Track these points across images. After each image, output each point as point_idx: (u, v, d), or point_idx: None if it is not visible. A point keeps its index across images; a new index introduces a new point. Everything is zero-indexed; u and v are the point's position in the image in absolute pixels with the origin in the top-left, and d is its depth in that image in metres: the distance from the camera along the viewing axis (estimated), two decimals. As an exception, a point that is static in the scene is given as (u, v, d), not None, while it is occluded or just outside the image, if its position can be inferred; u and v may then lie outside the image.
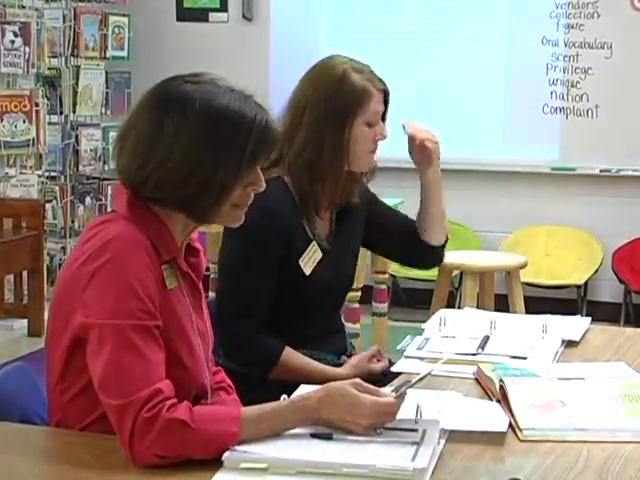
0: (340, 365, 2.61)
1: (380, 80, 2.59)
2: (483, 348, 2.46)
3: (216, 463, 1.66)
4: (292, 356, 2.52)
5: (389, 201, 3.02)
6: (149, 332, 1.76)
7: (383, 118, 2.60)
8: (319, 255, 2.56)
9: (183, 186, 1.82)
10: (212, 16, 7.06)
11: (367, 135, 2.55)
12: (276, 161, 2.57)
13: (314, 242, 2.56)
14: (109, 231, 1.80)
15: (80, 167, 6.58)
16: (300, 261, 2.53)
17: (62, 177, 6.59)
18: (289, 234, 2.51)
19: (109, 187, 6.64)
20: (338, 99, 2.52)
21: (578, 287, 6.40)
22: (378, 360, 2.63)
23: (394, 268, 6.22)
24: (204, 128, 1.82)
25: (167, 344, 1.80)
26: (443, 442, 1.80)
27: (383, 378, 2.51)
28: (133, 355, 1.72)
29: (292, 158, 2.54)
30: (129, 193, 1.88)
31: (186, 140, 1.81)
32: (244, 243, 2.50)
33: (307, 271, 2.54)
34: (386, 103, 2.60)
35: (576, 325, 2.70)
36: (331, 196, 2.58)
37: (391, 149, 2.84)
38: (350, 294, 2.92)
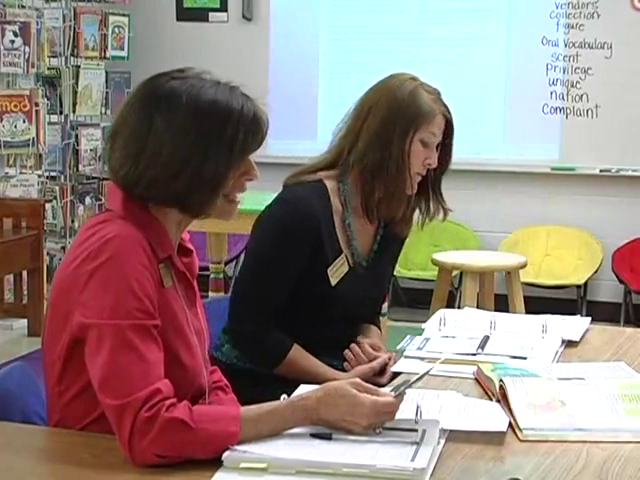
0: (343, 371, 2.58)
1: (445, 106, 2.57)
2: (483, 348, 2.46)
3: (216, 463, 1.66)
4: (299, 356, 2.51)
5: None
6: (148, 332, 1.76)
7: (443, 148, 2.59)
8: (345, 269, 2.55)
9: (174, 181, 1.82)
10: (212, 16, 7.07)
11: (420, 154, 2.53)
12: (332, 163, 2.57)
13: (344, 254, 2.56)
14: (107, 231, 1.80)
15: (80, 167, 6.58)
16: (329, 270, 2.52)
17: (62, 177, 6.59)
18: (321, 239, 2.50)
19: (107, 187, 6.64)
20: (405, 111, 2.51)
21: (578, 287, 6.40)
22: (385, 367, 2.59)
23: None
24: (192, 122, 1.83)
25: (165, 343, 1.80)
26: (443, 442, 1.80)
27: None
28: (132, 355, 1.72)
29: (356, 159, 2.53)
30: (123, 192, 1.88)
31: (175, 135, 1.82)
32: (277, 240, 2.49)
33: (333, 282, 2.53)
34: (449, 134, 2.59)
35: (576, 325, 2.70)
36: (389, 206, 2.56)
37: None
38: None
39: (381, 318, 4.91)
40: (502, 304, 4.97)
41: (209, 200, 1.86)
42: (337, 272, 2.54)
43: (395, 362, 2.47)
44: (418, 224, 2.69)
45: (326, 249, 2.51)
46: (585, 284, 6.41)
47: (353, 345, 2.59)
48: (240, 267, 2.65)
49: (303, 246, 2.49)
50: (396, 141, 2.51)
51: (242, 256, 5.03)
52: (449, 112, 2.57)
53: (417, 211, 2.67)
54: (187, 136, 1.82)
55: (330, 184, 2.56)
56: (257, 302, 2.51)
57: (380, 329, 2.79)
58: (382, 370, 2.54)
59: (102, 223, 1.84)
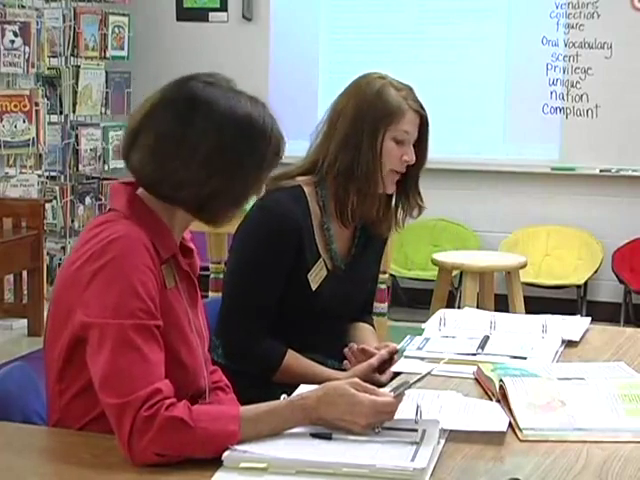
0: (342, 370, 2.58)
1: (417, 102, 2.55)
2: (483, 348, 2.46)
3: (216, 462, 1.66)
4: (295, 361, 2.51)
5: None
6: (149, 332, 1.76)
7: (419, 144, 2.56)
8: (324, 273, 2.55)
9: (202, 187, 1.83)
10: (212, 16, 7.06)
11: (394, 152, 2.51)
12: (309, 170, 2.57)
13: (321, 259, 2.56)
14: (111, 232, 1.80)
15: (80, 167, 6.58)
16: (309, 275, 2.52)
17: (62, 177, 6.59)
18: (302, 243, 2.50)
19: (109, 187, 6.63)
20: (372, 110, 2.49)
21: (578, 287, 6.40)
22: (387, 363, 2.58)
23: (394, 268, 6.23)
24: (229, 133, 1.83)
25: (167, 344, 1.80)
26: (443, 442, 1.80)
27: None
28: (133, 355, 1.72)
29: (329, 164, 2.53)
30: (131, 191, 1.89)
31: (211, 143, 1.82)
32: (260, 247, 2.49)
33: (313, 286, 2.53)
34: (425, 130, 2.56)
35: (576, 325, 2.70)
36: (363, 209, 2.55)
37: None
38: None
39: (381, 318, 4.96)
40: (502, 304, 4.97)
41: (228, 212, 1.89)
42: (317, 277, 2.54)
43: (397, 360, 2.46)
44: (399, 223, 2.67)
45: (306, 253, 2.51)
46: (585, 284, 6.41)
47: (352, 344, 2.59)
48: (225, 276, 2.63)
49: (286, 250, 2.48)
50: (366, 141, 2.50)
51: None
52: (422, 108, 2.55)
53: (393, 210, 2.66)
54: (222, 146, 1.83)
55: (308, 189, 2.55)
56: (247, 311, 2.50)
57: (373, 326, 2.79)
58: (382, 368, 2.53)
59: (106, 223, 1.84)
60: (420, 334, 2.59)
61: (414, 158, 2.54)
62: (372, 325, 2.78)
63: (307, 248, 2.52)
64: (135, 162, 1.87)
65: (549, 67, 6.48)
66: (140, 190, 1.90)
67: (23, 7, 6.14)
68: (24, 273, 5.99)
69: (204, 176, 1.83)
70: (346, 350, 2.57)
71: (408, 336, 2.57)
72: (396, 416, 1.79)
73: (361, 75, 2.60)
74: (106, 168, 6.74)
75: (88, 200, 6.66)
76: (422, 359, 2.38)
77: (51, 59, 6.44)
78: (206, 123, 1.83)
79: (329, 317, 2.59)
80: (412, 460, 1.66)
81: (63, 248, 6.54)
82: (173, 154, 1.83)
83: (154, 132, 1.85)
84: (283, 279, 2.50)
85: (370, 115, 2.50)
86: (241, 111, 1.85)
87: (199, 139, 1.82)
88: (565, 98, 6.47)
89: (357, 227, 2.65)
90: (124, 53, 6.87)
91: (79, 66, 6.53)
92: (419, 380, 1.90)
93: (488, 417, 1.94)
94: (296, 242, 2.49)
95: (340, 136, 2.51)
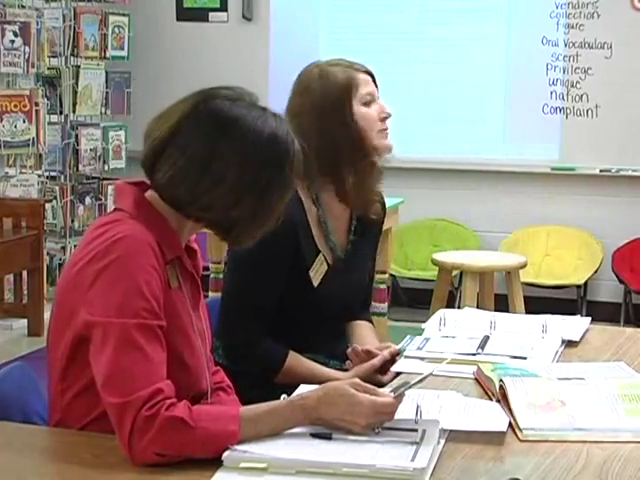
0: (344, 370, 2.58)
1: (357, 64, 2.61)
2: (483, 348, 2.46)
3: (216, 462, 1.66)
4: (296, 362, 2.51)
5: (389, 201, 3.02)
6: (153, 332, 1.76)
7: None
8: (324, 268, 2.56)
9: (231, 210, 1.84)
10: (212, 16, 7.06)
11: (369, 114, 2.55)
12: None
13: (321, 254, 2.56)
14: (116, 231, 1.80)
15: (80, 167, 6.58)
16: (310, 272, 2.53)
17: (62, 177, 6.59)
18: (299, 242, 2.51)
19: (109, 187, 6.65)
20: (328, 94, 2.53)
21: (578, 287, 6.40)
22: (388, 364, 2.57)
23: (394, 268, 6.23)
24: (257, 155, 1.84)
25: (169, 344, 1.80)
26: (443, 442, 1.80)
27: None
28: (136, 354, 1.72)
29: (313, 161, 2.50)
30: (138, 192, 1.89)
31: (240, 165, 1.83)
32: (256, 247, 2.48)
33: (315, 282, 2.54)
34: (376, 83, 2.61)
35: (576, 325, 2.70)
36: (364, 185, 2.57)
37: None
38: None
39: (381, 318, 4.95)
40: (502, 304, 4.97)
41: (254, 233, 1.91)
42: (317, 273, 2.55)
43: (398, 360, 2.46)
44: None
45: (304, 252, 2.52)
46: (585, 284, 6.41)
47: (355, 345, 2.58)
48: (224, 278, 2.63)
49: (282, 249, 2.49)
50: (338, 124, 2.52)
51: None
52: (363, 66, 2.61)
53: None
54: (252, 168, 1.84)
55: (299, 186, 2.55)
56: (245, 311, 2.51)
57: (372, 322, 2.79)
58: (384, 368, 2.53)
59: (112, 223, 1.84)
60: (420, 334, 2.59)
61: (389, 110, 2.58)
62: (370, 321, 2.79)
63: (304, 245, 2.52)
64: (162, 179, 1.86)
65: (549, 67, 6.48)
66: (149, 193, 1.90)
67: (23, 7, 6.13)
68: (24, 273, 5.99)
69: (234, 198, 1.83)
70: (349, 350, 2.57)
71: (408, 336, 2.57)
72: (396, 416, 1.79)
73: (297, 75, 2.65)
74: (106, 168, 6.74)
75: (88, 200, 6.66)
76: (422, 359, 2.38)
77: (51, 59, 6.44)
78: (236, 145, 1.83)
79: (331, 314, 2.59)
80: (412, 460, 1.66)
81: (63, 248, 6.54)
82: (204, 176, 1.82)
83: (183, 152, 1.84)
84: (281, 278, 2.50)
85: (329, 99, 2.53)
86: (268, 130, 1.86)
87: (230, 162, 1.82)
88: (565, 98, 6.47)
89: (352, 217, 2.65)
90: (124, 53, 6.87)
91: (79, 66, 6.53)
92: (420, 381, 1.90)
93: (488, 417, 1.94)
94: (292, 240, 2.49)
95: (312, 133, 2.50)
